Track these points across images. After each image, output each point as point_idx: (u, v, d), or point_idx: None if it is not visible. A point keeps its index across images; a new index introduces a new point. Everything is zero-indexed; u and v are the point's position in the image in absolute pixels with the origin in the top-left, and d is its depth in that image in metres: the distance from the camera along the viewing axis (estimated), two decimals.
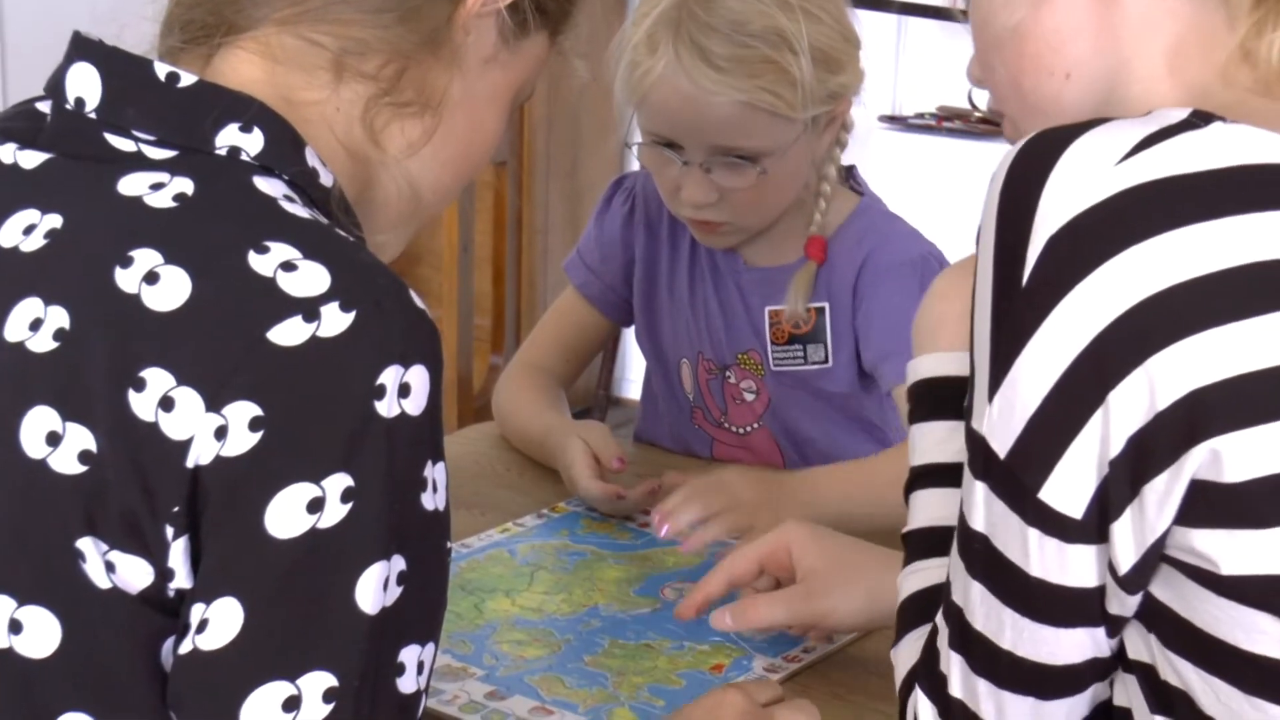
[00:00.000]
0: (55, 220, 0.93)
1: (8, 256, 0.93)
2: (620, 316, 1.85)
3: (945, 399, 1.09)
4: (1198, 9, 0.93)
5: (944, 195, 2.71)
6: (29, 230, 0.93)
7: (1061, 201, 0.86)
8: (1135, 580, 0.90)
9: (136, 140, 0.94)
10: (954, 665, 0.97)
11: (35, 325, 0.90)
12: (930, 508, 1.09)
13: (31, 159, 0.96)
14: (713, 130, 1.58)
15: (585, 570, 1.50)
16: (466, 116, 1.04)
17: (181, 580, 0.88)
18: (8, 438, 0.89)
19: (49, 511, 0.88)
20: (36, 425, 0.88)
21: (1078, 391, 0.86)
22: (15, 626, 0.89)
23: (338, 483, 0.85)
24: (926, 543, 1.08)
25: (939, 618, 0.99)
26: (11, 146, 0.97)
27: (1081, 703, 0.96)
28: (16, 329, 0.91)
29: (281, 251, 0.88)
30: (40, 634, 0.89)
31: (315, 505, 0.85)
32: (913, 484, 1.13)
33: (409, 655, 0.90)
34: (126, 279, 0.89)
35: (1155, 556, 0.88)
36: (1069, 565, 0.90)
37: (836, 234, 1.69)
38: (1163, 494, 0.86)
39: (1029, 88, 0.99)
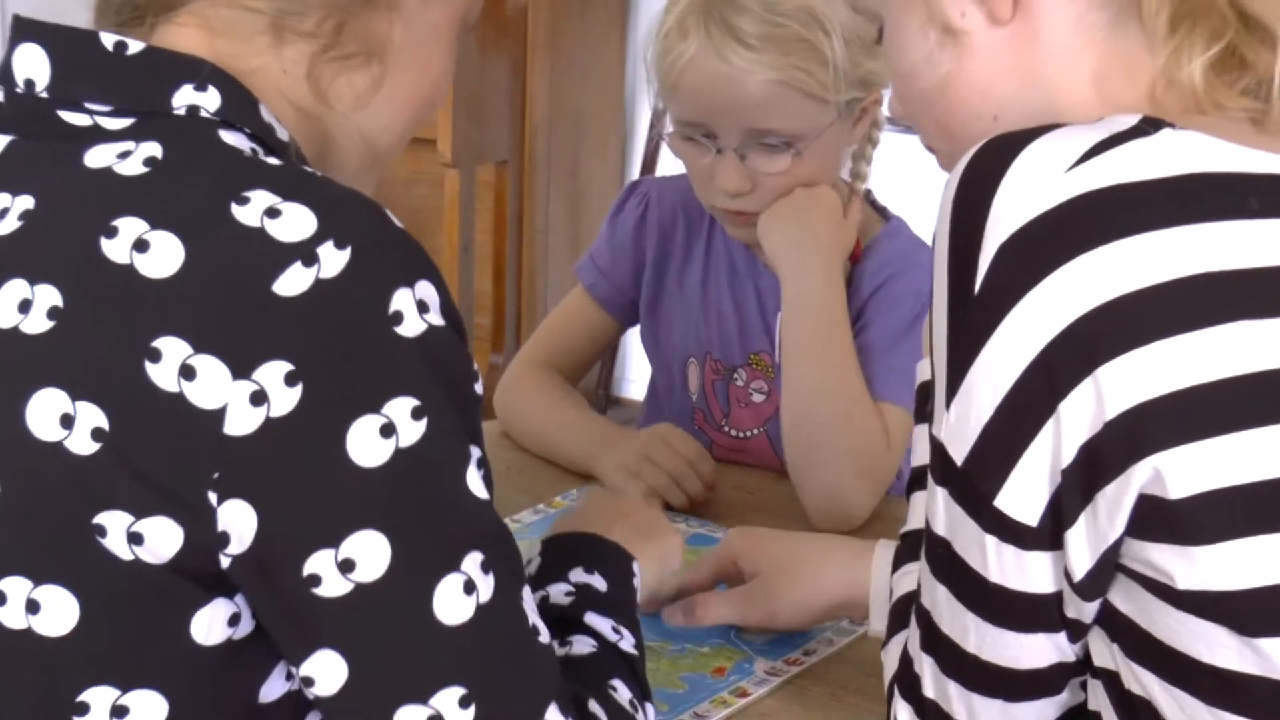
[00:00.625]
0: (27, 201, 0.92)
1: None
2: (627, 318, 1.85)
3: None
4: (1118, 38, 0.93)
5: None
6: (1, 215, 0.93)
7: (1012, 208, 0.86)
8: (1091, 587, 0.90)
9: (91, 114, 0.94)
10: (926, 667, 0.97)
11: (25, 307, 0.89)
12: (924, 509, 1.09)
13: None
14: (746, 111, 1.58)
15: None
16: (413, 58, 1.04)
17: (237, 544, 0.88)
18: (13, 422, 0.88)
19: (64, 492, 0.88)
20: (46, 408, 0.88)
21: (1029, 400, 0.86)
22: (33, 606, 0.89)
23: (401, 406, 0.88)
24: (920, 545, 1.08)
25: (912, 619, 0.99)
26: None
27: (1051, 706, 0.96)
28: (6, 313, 0.90)
29: (261, 199, 0.89)
30: (58, 613, 0.89)
31: (388, 430, 0.87)
32: (912, 484, 1.13)
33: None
34: (115, 249, 0.88)
35: (1110, 564, 0.89)
36: (1026, 572, 0.90)
37: (865, 252, 1.69)
38: (1113, 503, 0.86)
39: (958, 131, 1.00)
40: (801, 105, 1.58)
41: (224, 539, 0.88)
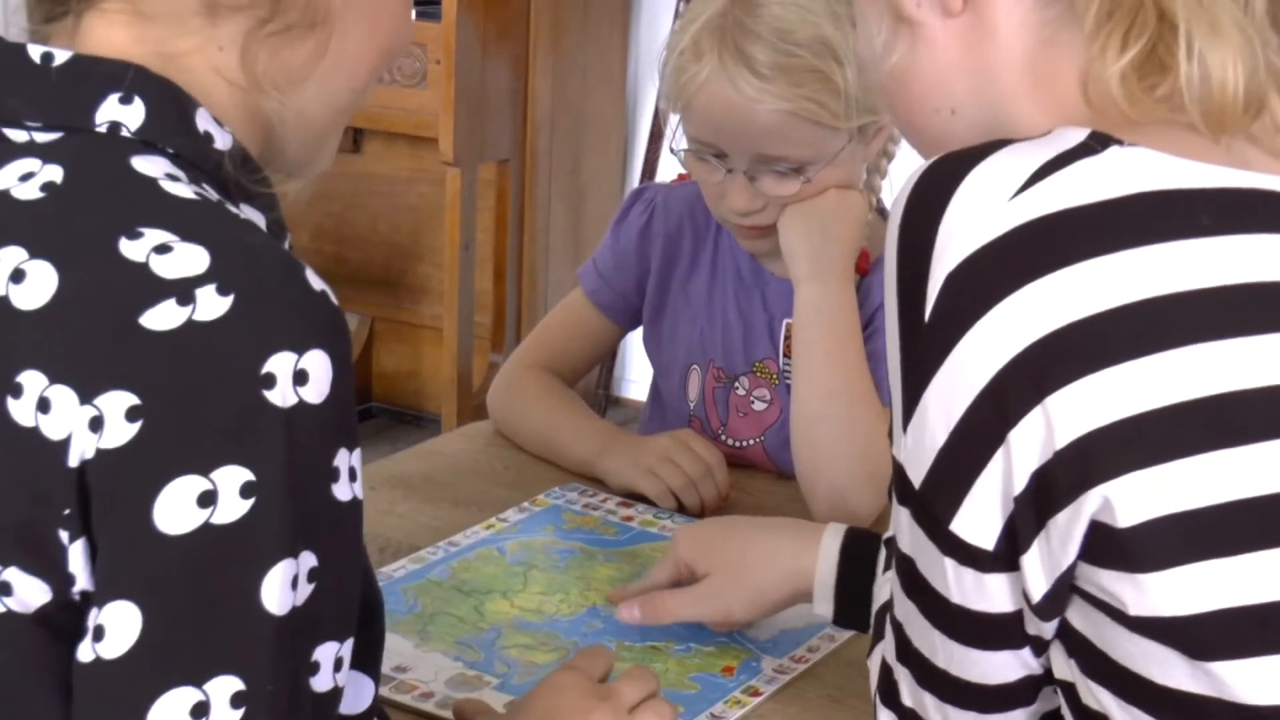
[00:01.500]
0: None
1: None
2: (629, 323, 1.85)
3: None
4: (1064, 35, 0.92)
5: None
6: None
7: (957, 239, 0.85)
8: (1049, 609, 0.89)
9: (29, 129, 0.90)
10: (902, 677, 0.98)
11: None
12: None
13: None
14: (756, 139, 1.58)
15: (577, 569, 1.50)
16: (360, 17, 0.97)
17: (83, 583, 0.83)
18: None
19: None
20: None
21: (981, 428, 0.85)
22: None
23: (232, 476, 0.80)
24: None
25: (887, 629, 0.99)
26: None
27: (1025, 715, 0.96)
28: None
29: (156, 236, 0.83)
30: None
31: (207, 499, 0.80)
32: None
33: (324, 653, 0.86)
34: None
35: (1066, 586, 0.88)
36: (986, 593, 0.90)
37: (874, 264, 1.69)
38: (1065, 530, 0.86)
39: (919, 125, 0.99)
40: (811, 133, 1.57)
41: (72, 580, 0.83)
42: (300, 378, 0.82)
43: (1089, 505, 0.84)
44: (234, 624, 0.82)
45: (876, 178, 1.70)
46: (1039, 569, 0.87)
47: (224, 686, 0.82)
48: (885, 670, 1.00)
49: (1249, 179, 0.87)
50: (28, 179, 0.87)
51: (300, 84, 0.96)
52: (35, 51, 0.90)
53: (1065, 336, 0.83)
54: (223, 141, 0.92)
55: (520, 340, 1.96)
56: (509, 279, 3.58)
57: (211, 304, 0.81)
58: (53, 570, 0.83)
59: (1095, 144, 0.87)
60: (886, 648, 0.99)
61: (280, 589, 0.82)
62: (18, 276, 0.84)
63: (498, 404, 1.82)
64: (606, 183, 3.76)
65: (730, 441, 1.75)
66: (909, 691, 0.97)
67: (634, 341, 1.88)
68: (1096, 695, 0.90)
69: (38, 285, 0.83)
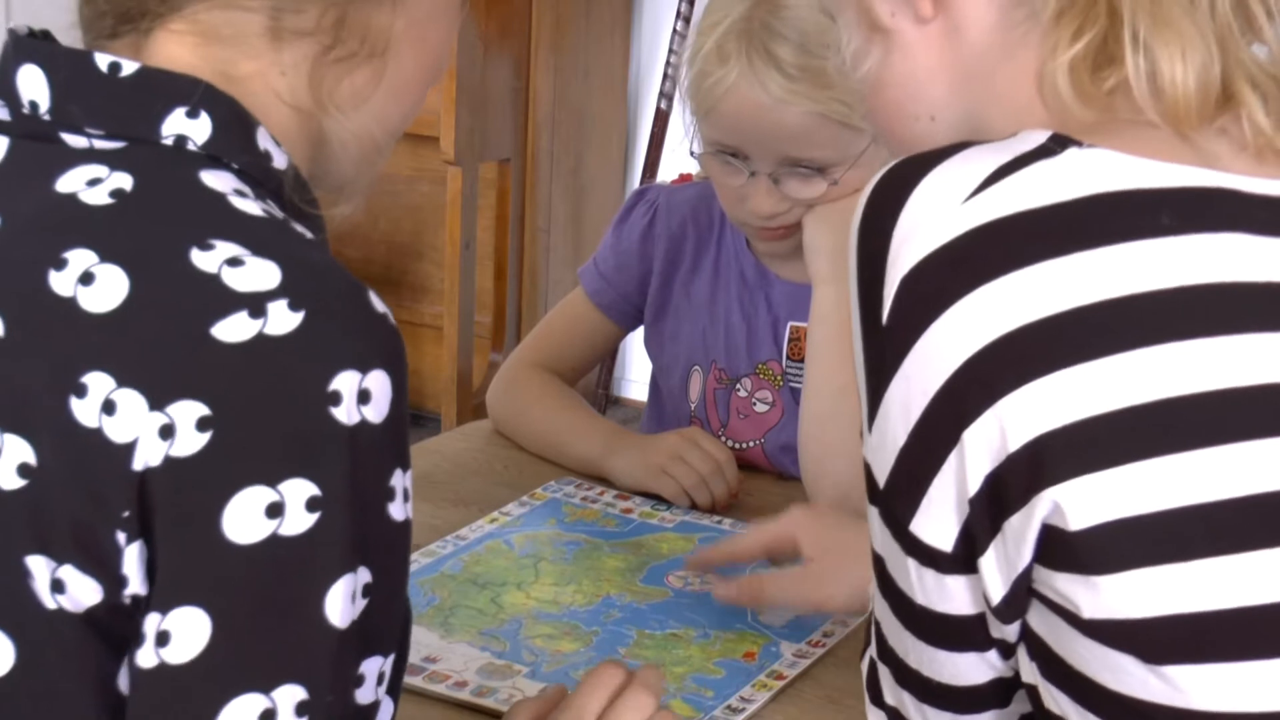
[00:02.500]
0: None
1: None
2: (630, 324, 1.85)
3: None
4: (1035, 36, 0.91)
5: None
6: None
7: (911, 243, 0.86)
8: (1008, 612, 0.89)
9: (89, 137, 0.91)
10: (884, 676, 0.99)
11: None
12: None
13: None
14: (784, 140, 1.58)
15: (586, 560, 1.51)
16: (412, 43, 0.99)
17: (136, 587, 0.84)
18: None
19: None
20: None
21: (937, 430, 0.86)
22: None
23: (299, 489, 0.82)
24: None
25: (871, 627, 0.99)
26: None
27: (1003, 717, 0.96)
28: None
29: (227, 249, 0.84)
30: None
31: (275, 510, 0.81)
32: None
33: (370, 667, 0.87)
34: (61, 282, 0.85)
35: (1024, 589, 0.88)
36: (947, 594, 0.90)
37: None
38: (1019, 533, 0.86)
39: (899, 133, 0.99)
40: (838, 135, 1.58)
41: (125, 582, 0.84)
42: (364, 397, 0.83)
43: (1040, 509, 0.84)
44: (300, 634, 0.83)
45: None
46: (995, 572, 0.88)
47: (289, 695, 0.83)
48: (872, 668, 1.01)
49: (1211, 178, 0.86)
50: (95, 184, 0.88)
51: (359, 107, 0.98)
52: (102, 60, 0.91)
53: (1017, 339, 0.83)
54: (281, 161, 0.94)
55: (521, 339, 1.96)
56: (510, 278, 3.58)
57: (283, 319, 0.82)
58: (106, 571, 0.84)
59: (1054, 145, 0.86)
60: (874, 644, 1.00)
61: (343, 602, 0.84)
62: (87, 279, 0.85)
63: (497, 403, 1.82)
64: (608, 182, 3.76)
65: (730, 443, 1.75)
66: (890, 690, 0.98)
67: (634, 341, 1.88)
68: (1056, 699, 0.90)
69: (108, 289, 0.84)
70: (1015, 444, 0.84)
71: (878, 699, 1.00)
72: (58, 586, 0.84)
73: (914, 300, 0.85)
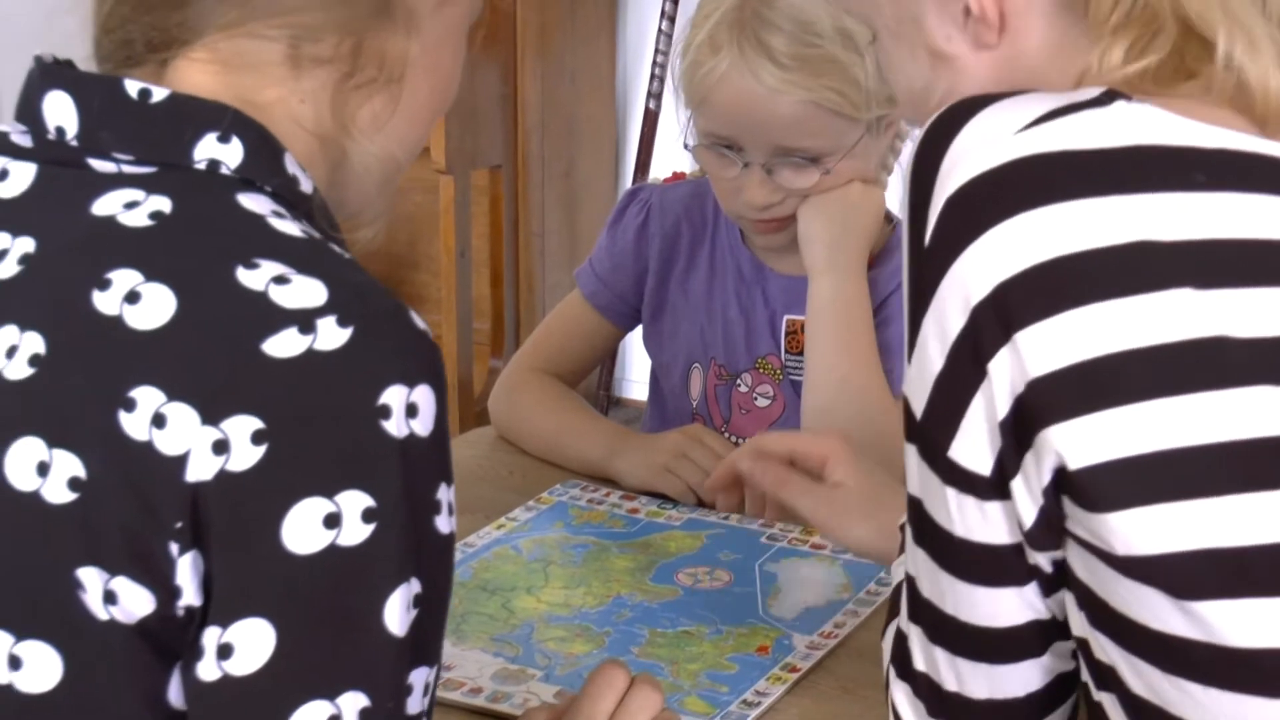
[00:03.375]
0: (28, 244, 0.91)
1: None
2: (628, 324, 1.85)
3: None
4: (1099, 50, 0.93)
5: None
6: (1, 255, 0.91)
7: (960, 165, 0.88)
8: (1039, 539, 0.91)
9: (118, 162, 0.92)
10: (914, 639, 0.99)
11: (11, 353, 0.88)
12: None
13: (9, 189, 0.93)
14: (777, 130, 1.58)
15: (595, 562, 1.51)
16: (426, 69, 1.02)
17: (190, 598, 0.85)
18: None
19: (44, 543, 0.86)
20: (24, 456, 0.86)
21: (967, 355, 0.88)
22: (14, 662, 0.87)
23: (355, 500, 0.84)
24: None
25: (902, 594, 1.00)
26: None
27: (1036, 670, 0.96)
28: None
29: (272, 268, 0.86)
30: (40, 669, 0.87)
31: (332, 521, 0.83)
32: None
33: (418, 677, 0.89)
34: (106, 301, 0.86)
35: (1052, 520, 0.89)
36: (988, 521, 0.91)
37: (879, 257, 1.69)
38: (1038, 460, 0.88)
39: None
40: (831, 124, 1.58)
41: (179, 593, 0.85)
42: (411, 410, 0.85)
43: (1048, 444, 0.86)
44: (361, 642, 0.85)
45: (883, 174, 1.70)
46: (1025, 496, 0.89)
47: (353, 701, 0.85)
48: (899, 640, 1.01)
49: (1251, 143, 0.89)
50: (133, 207, 0.89)
51: (379, 131, 1.00)
52: (132, 87, 0.92)
53: (1048, 271, 0.85)
54: (307, 186, 0.95)
55: (520, 344, 1.96)
56: (506, 284, 3.58)
57: (332, 335, 0.84)
58: (159, 581, 0.85)
59: (1105, 98, 0.89)
60: (902, 614, 1.00)
61: (401, 611, 0.86)
62: (133, 298, 0.86)
63: (499, 409, 1.82)
64: (600, 184, 3.76)
65: (733, 438, 1.76)
66: (921, 652, 0.98)
67: (634, 341, 1.88)
68: (1104, 647, 0.91)
69: (155, 307, 0.86)
70: (1034, 373, 0.85)
71: (905, 670, 1.00)
72: (110, 598, 0.85)
73: (955, 222, 0.88)
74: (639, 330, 1.85)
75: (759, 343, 1.74)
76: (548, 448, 1.76)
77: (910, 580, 0.98)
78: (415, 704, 0.89)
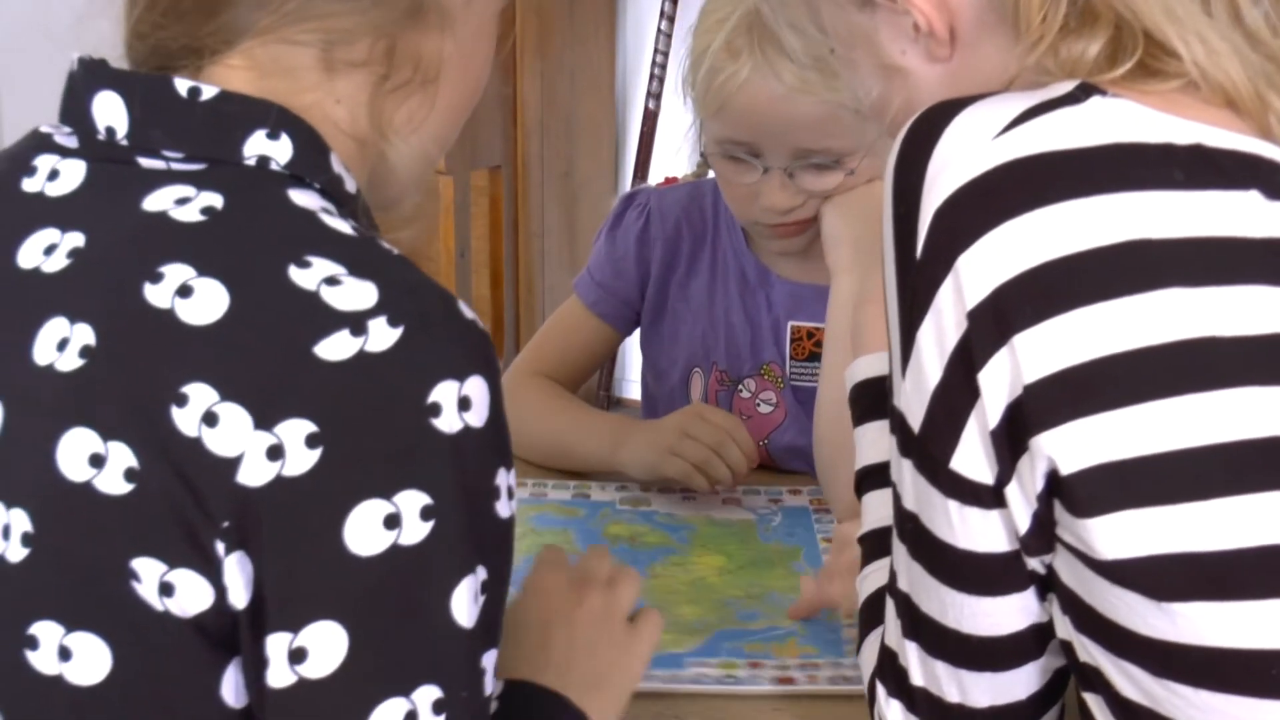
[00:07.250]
0: (77, 239, 0.91)
1: (29, 279, 0.91)
2: (629, 329, 1.85)
3: (881, 398, 1.10)
4: (1054, 58, 0.93)
5: None
6: (50, 250, 0.91)
7: (944, 175, 0.88)
8: (1034, 545, 0.91)
9: (167, 160, 0.92)
10: (911, 654, 0.98)
11: (62, 345, 0.88)
12: (879, 508, 1.11)
13: (59, 187, 0.94)
14: (800, 131, 1.58)
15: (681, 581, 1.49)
16: (462, 65, 1.02)
17: (235, 598, 0.85)
18: (44, 462, 0.87)
19: (97, 534, 0.86)
20: (76, 448, 0.86)
21: (965, 364, 0.88)
22: (64, 653, 0.87)
23: (412, 499, 0.84)
24: (880, 543, 1.09)
25: (888, 611, 1.00)
26: (40, 177, 0.95)
27: (1036, 670, 0.97)
28: (45, 351, 0.88)
29: (324, 267, 0.86)
30: (90, 661, 0.87)
31: (392, 521, 0.84)
32: (859, 486, 1.14)
33: (489, 660, 0.90)
34: (158, 294, 0.86)
35: (1046, 523, 0.90)
36: (991, 531, 0.91)
37: None
38: (1030, 468, 0.88)
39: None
40: (853, 125, 1.58)
41: (225, 592, 0.85)
42: (464, 404, 0.86)
43: (1041, 449, 0.87)
44: (431, 637, 0.86)
45: None
46: (1020, 503, 0.89)
47: (427, 695, 0.86)
48: (889, 658, 1.01)
49: (1226, 138, 0.89)
50: (184, 203, 0.90)
51: (416, 131, 1.00)
52: (181, 85, 0.93)
53: (1040, 275, 0.86)
54: (351, 185, 0.96)
55: (520, 344, 1.96)
56: (506, 284, 3.58)
57: (382, 335, 0.85)
58: (214, 578, 0.85)
59: (1080, 94, 0.89)
60: (889, 631, 1.00)
61: (468, 603, 0.87)
62: (185, 292, 0.86)
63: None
64: (599, 185, 3.76)
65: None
66: (919, 667, 0.98)
67: (635, 342, 1.88)
68: (1089, 651, 0.92)
69: (208, 301, 0.86)
70: (1029, 378, 0.86)
71: (901, 687, 1.00)
72: (166, 590, 0.86)
73: (946, 232, 0.88)
74: (639, 331, 1.85)
75: (763, 349, 1.74)
76: (551, 449, 1.75)
77: (904, 596, 0.98)
78: (489, 684, 0.90)
